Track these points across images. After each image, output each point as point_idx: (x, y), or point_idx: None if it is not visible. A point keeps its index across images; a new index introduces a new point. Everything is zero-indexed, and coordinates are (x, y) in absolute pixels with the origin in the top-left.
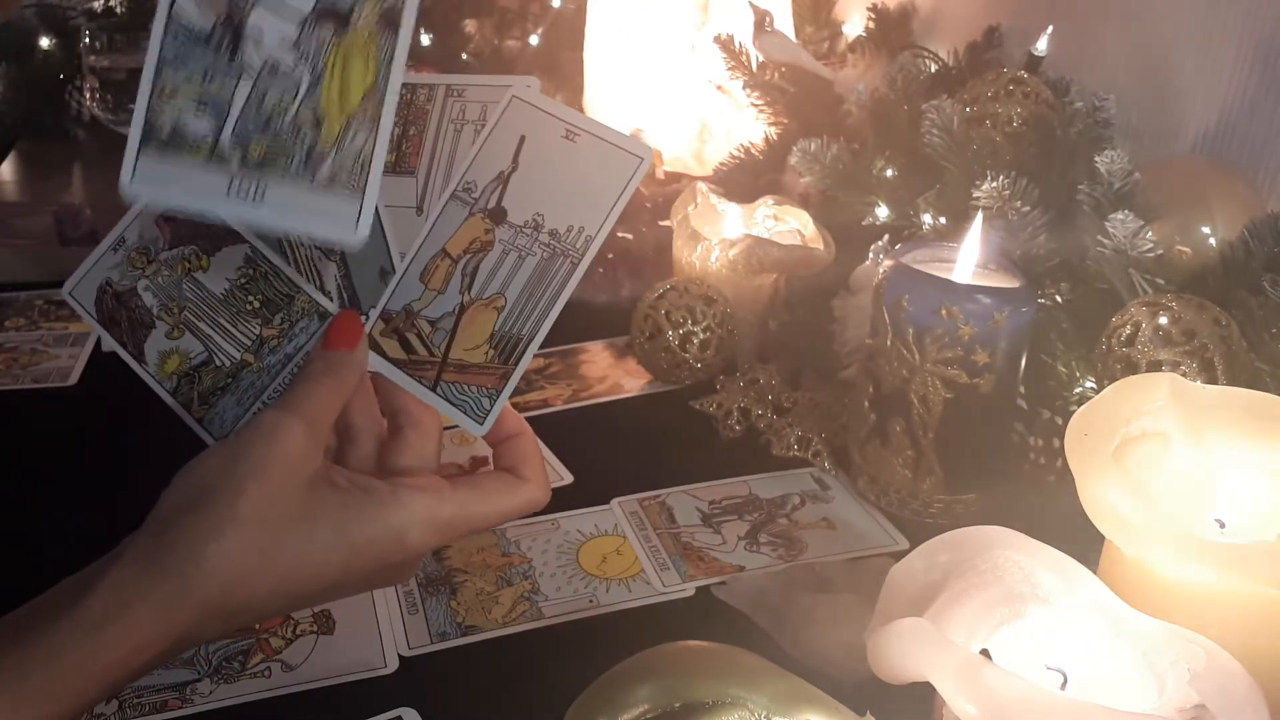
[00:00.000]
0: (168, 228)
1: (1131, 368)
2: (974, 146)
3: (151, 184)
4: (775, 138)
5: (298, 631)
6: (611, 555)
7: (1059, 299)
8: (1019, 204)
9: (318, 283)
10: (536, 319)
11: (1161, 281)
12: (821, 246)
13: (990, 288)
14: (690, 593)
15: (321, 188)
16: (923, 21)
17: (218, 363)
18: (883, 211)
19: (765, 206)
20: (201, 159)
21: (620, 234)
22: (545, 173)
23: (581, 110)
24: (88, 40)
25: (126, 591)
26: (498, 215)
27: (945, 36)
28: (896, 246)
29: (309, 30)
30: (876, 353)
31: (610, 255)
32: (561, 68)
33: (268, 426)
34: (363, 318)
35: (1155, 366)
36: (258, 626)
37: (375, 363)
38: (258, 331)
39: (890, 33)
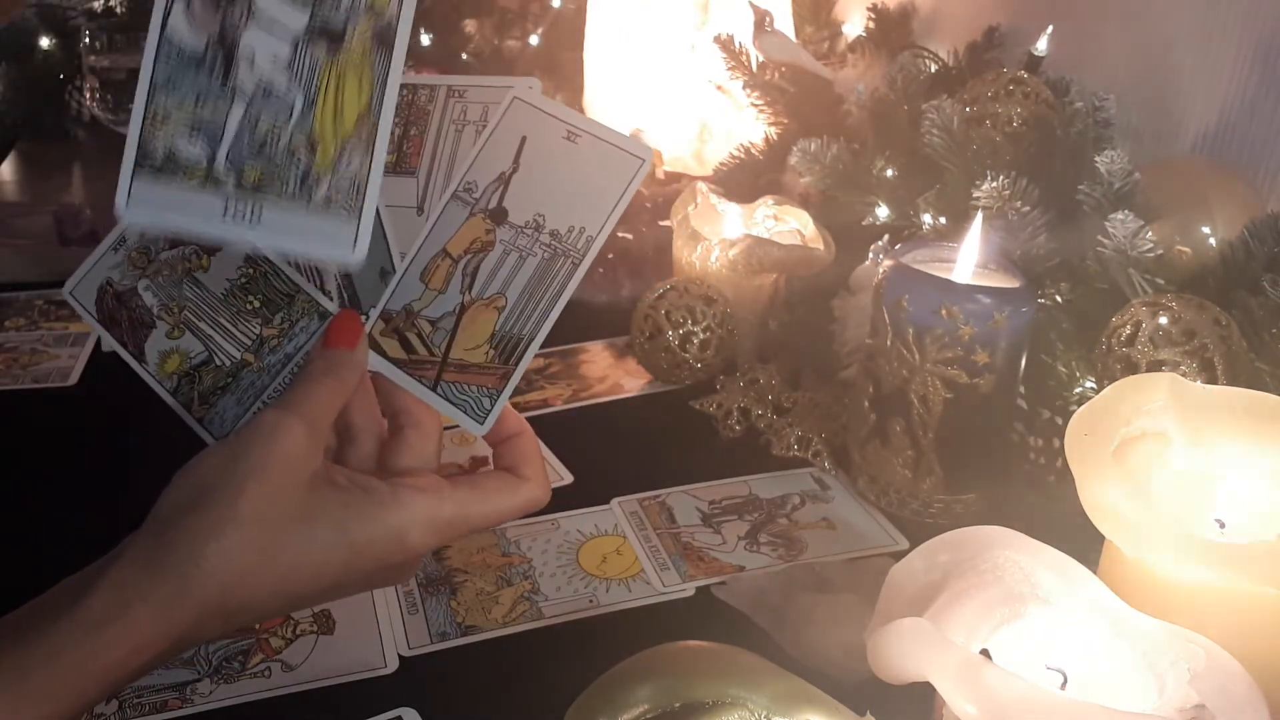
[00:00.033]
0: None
1: (1131, 368)
2: (974, 146)
3: (147, 208)
4: (775, 138)
5: (298, 631)
6: (611, 555)
7: (1059, 299)
8: (1019, 204)
9: (318, 282)
10: (537, 319)
11: (1161, 281)
12: (821, 246)
13: (990, 288)
14: (690, 593)
15: (318, 210)
16: (923, 21)
17: (218, 362)
18: (883, 211)
19: (765, 206)
20: (196, 183)
21: (620, 234)
22: (546, 173)
23: (582, 110)
24: (88, 40)
25: (126, 591)
26: (499, 215)
27: (945, 36)
28: (896, 246)
29: (302, 51)
30: (876, 353)
31: (610, 255)
32: (561, 68)
33: (268, 426)
34: (363, 317)
35: (1155, 366)
36: (258, 626)
37: (375, 362)
38: (258, 331)
39: (890, 33)
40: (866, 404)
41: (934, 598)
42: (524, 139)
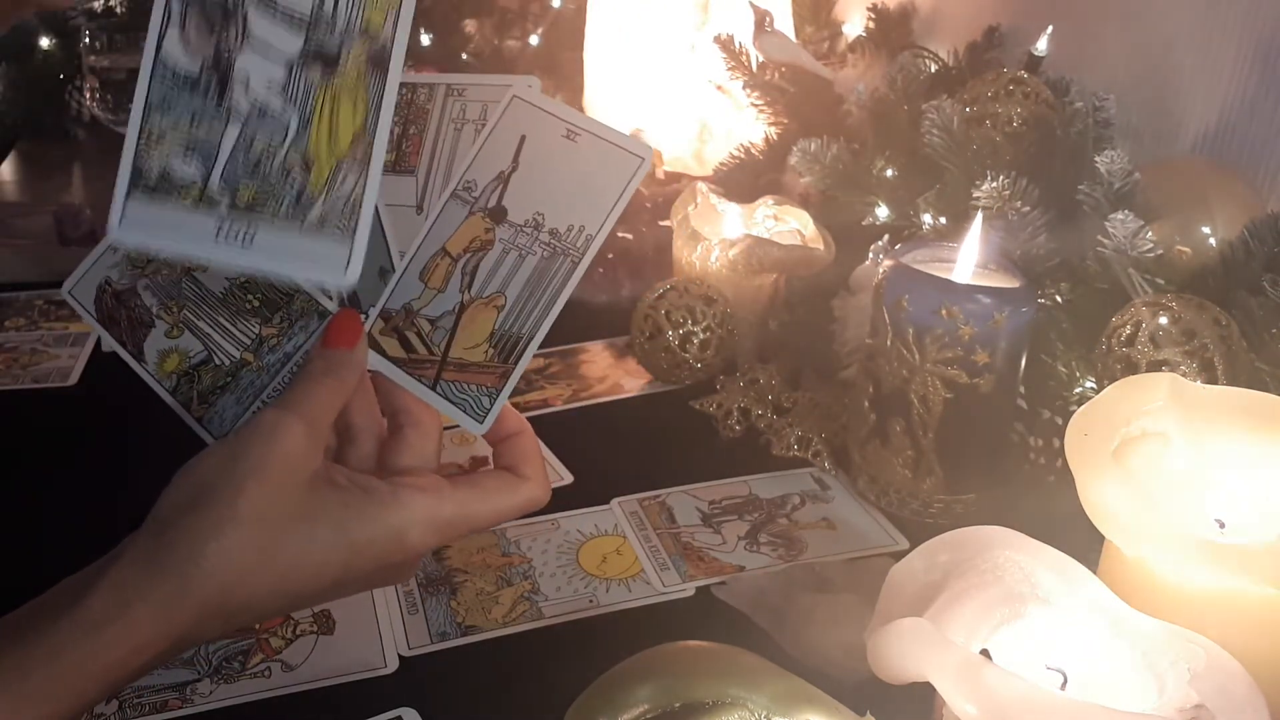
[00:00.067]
0: None
1: (1131, 368)
2: (974, 146)
3: (140, 229)
4: (775, 138)
5: (298, 631)
6: (611, 555)
7: (1059, 299)
8: (1019, 204)
9: None
10: (536, 318)
11: (1161, 281)
12: (821, 246)
13: (990, 288)
14: (690, 593)
15: (311, 231)
16: (923, 21)
17: (217, 361)
18: (883, 211)
19: (765, 206)
20: (190, 203)
21: (620, 234)
22: (546, 172)
23: (582, 110)
24: (88, 40)
25: (126, 591)
26: (498, 214)
27: (945, 36)
28: (896, 246)
29: (297, 73)
30: (876, 353)
31: (610, 255)
32: (561, 68)
33: (267, 425)
34: (362, 316)
35: (1155, 366)
36: (258, 626)
37: (375, 361)
38: (257, 330)
39: (890, 33)
40: (866, 404)
41: (934, 598)
42: (523, 138)
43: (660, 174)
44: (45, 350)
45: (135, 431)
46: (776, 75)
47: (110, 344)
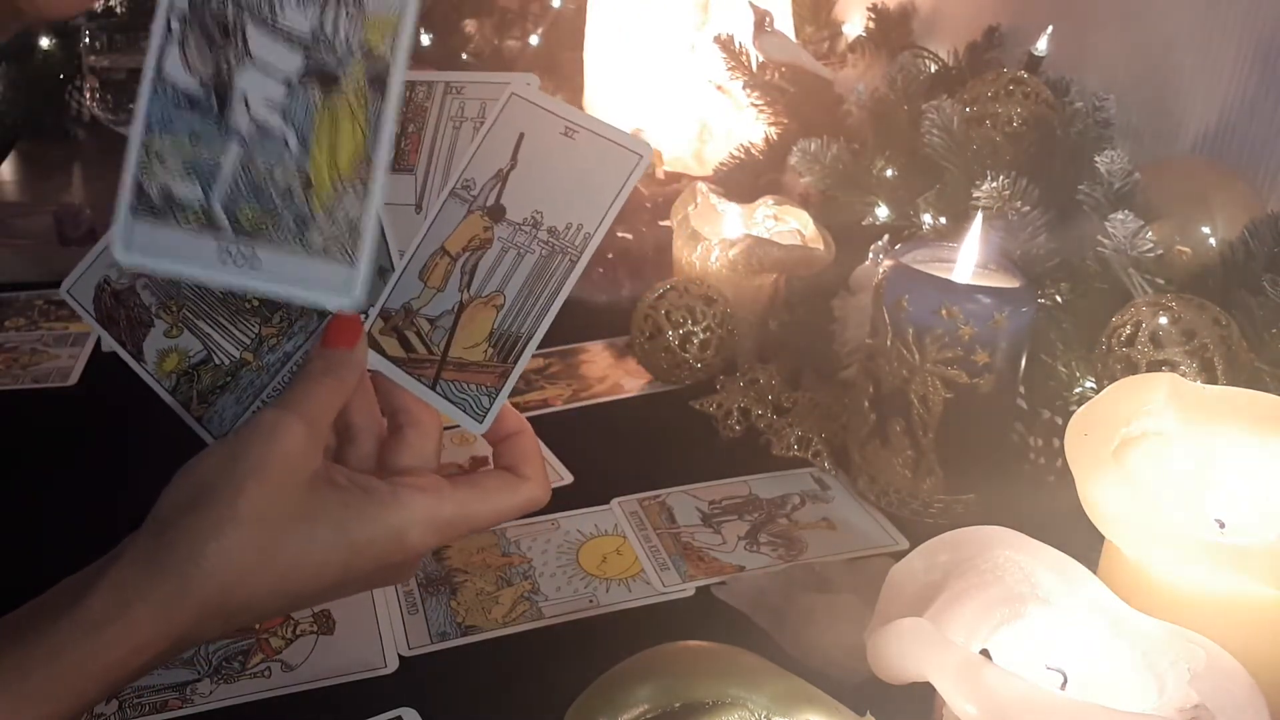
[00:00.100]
0: None
1: (1131, 368)
2: (974, 146)
3: (143, 252)
4: (775, 138)
5: (298, 631)
6: (611, 555)
7: (1059, 299)
8: (1019, 204)
9: None
10: (536, 317)
11: (1161, 281)
12: (821, 246)
13: (990, 288)
14: (690, 593)
15: (315, 252)
16: (923, 21)
17: (217, 361)
18: (883, 211)
19: (765, 206)
20: (192, 225)
21: (620, 234)
22: (544, 170)
23: (581, 110)
24: (88, 40)
25: (126, 591)
26: (496, 213)
27: (945, 36)
28: (896, 246)
29: (297, 92)
30: (876, 353)
31: (610, 255)
32: (561, 68)
33: (267, 425)
34: (362, 316)
35: (1155, 366)
36: (258, 626)
37: (374, 361)
38: (257, 330)
39: (890, 33)
40: (866, 404)
41: (934, 598)
42: (522, 135)
43: (660, 174)
44: (45, 350)
45: (135, 431)
46: (776, 75)
47: (109, 344)
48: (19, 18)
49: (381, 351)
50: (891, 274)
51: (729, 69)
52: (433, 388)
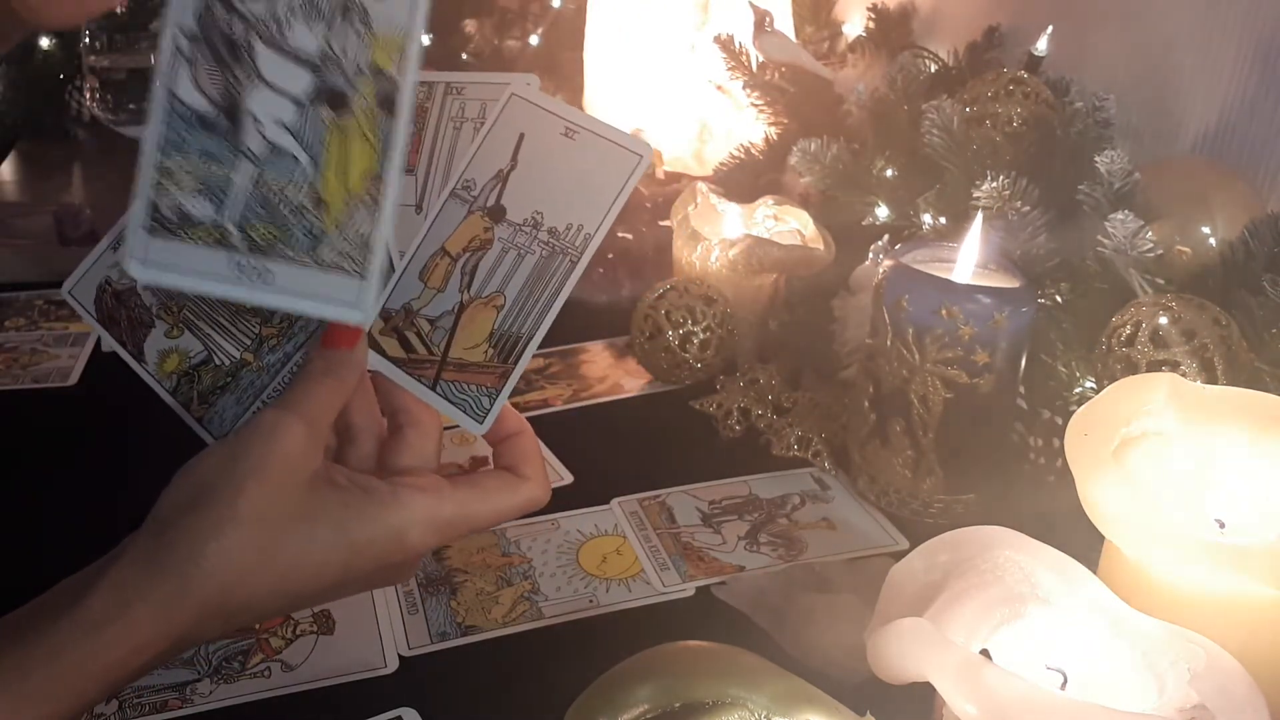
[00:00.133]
0: None
1: (1131, 368)
2: (974, 146)
3: (159, 268)
4: (775, 138)
5: (298, 631)
6: (611, 555)
7: (1059, 299)
8: (1019, 204)
9: None
10: (536, 317)
11: (1161, 281)
12: (821, 246)
13: (990, 288)
14: (690, 593)
15: (327, 268)
16: (923, 21)
17: (217, 361)
18: (883, 211)
19: (765, 206)
20: (206, 242)
21: (620, 234)
22: (544, 170)
23: (581, 110)
24: (88, 40)
25: (126, 591)
26: (497, 213)
27: (945, 36)
28: (896, 246)
29: (307, 111)
30: (876, 353)
31: (610, 255)
32: (561, 68)
33: (267, 425)
34: None
35: (1155, 366)
36: (258, 626)
37: (375, 361)
38: (257, 330)
39: (890, 33)
40: (866, 404)
41: (934, 598)
42: (522, 136)
43: (660, 174)
44: (45, 350)
45: (135, 431)
46: (776, 75)
47: (110, 344)
48: (22, 28)
49: (382, 352)
50: (891, 274)
51: (729, 69)
52: (433, 388)
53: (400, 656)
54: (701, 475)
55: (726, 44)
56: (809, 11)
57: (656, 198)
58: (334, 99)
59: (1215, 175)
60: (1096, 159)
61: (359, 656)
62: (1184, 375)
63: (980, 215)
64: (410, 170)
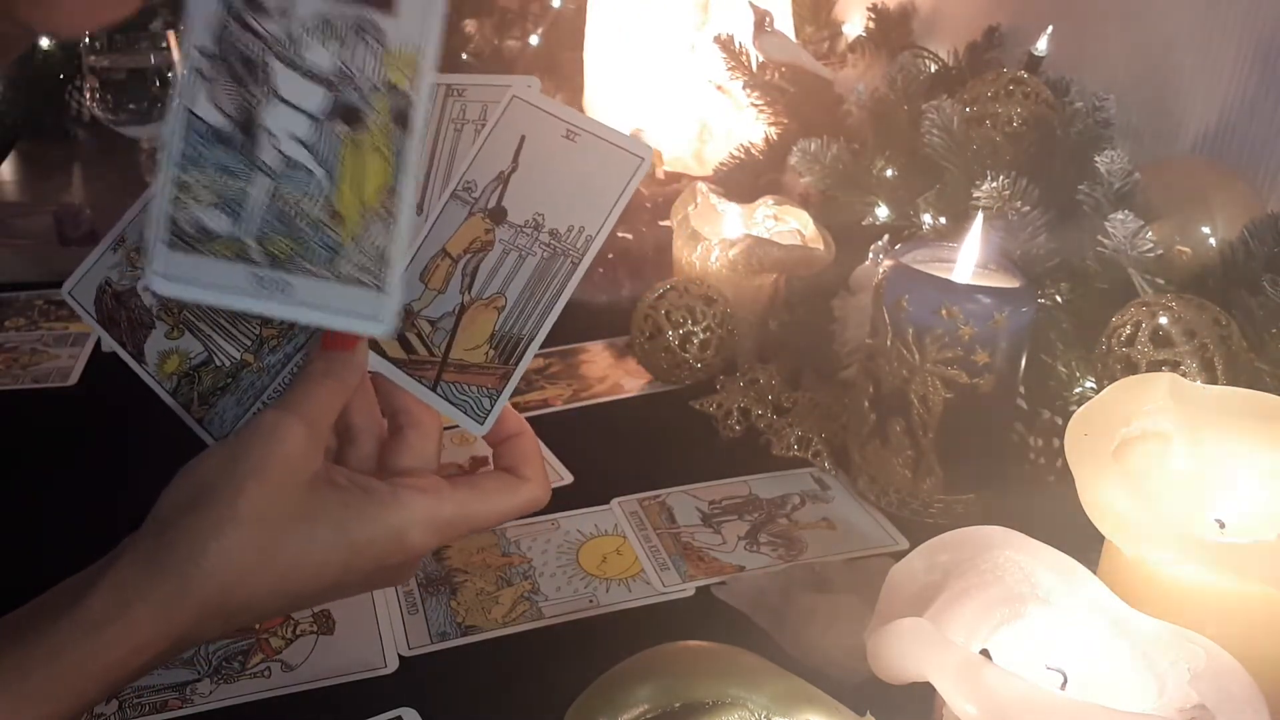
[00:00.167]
0: None
1: (1131, 368)
2: (974, 146)
3: (179, 283)
4: (775, 138)
5: (298, 631)
6: (611, 555)
7: (1059, 299)
8: (1019, 204)
9: None
10: (537, 319)
11: (1161, 281)
12: (821, 246)
13: (990, 288)
14: (690, 593)
15: (346, 281)
16: (923, 21)
17: (217, 362)
18: (883, 211)
19: (765, 206)
20: (226, 256)
21: (620, 234)
22: (545, 172)
23: (581, 110)
24: (88, 40)
25: (126, 591)
26: (498, 215)
27: (945, 36)
28: (896, 246)
29: (323, 127)
30: (876, 353)
31: (610, 255)
32: (561, 68)
33: (268, 426)
34: None
35: (1155, 366)
36: (258, 626)
37: (375, 362)
38: (257, 331)
39: (890, 33)
40: (866, 404)
41: (934, 598)
42: (523, 138)
43: (660, 174)
44: (45, 350)
45: (135, 431)
46: (776, 75)
47: (110, 345)
48: (30, 37)
49: (382, 353)
50: (891, 274)
51: (729, 69)
52: (433, 389)
53: (400, 656)
54: (701, 475)
55: (726, 44)
56: (809, 11)
57: (656, 198)
58: (349, 115)
59: (1215, 175)
60: (1096, 159)
61: (359, 656)
62: (1184, 375)
63: (980, 215)
64: None
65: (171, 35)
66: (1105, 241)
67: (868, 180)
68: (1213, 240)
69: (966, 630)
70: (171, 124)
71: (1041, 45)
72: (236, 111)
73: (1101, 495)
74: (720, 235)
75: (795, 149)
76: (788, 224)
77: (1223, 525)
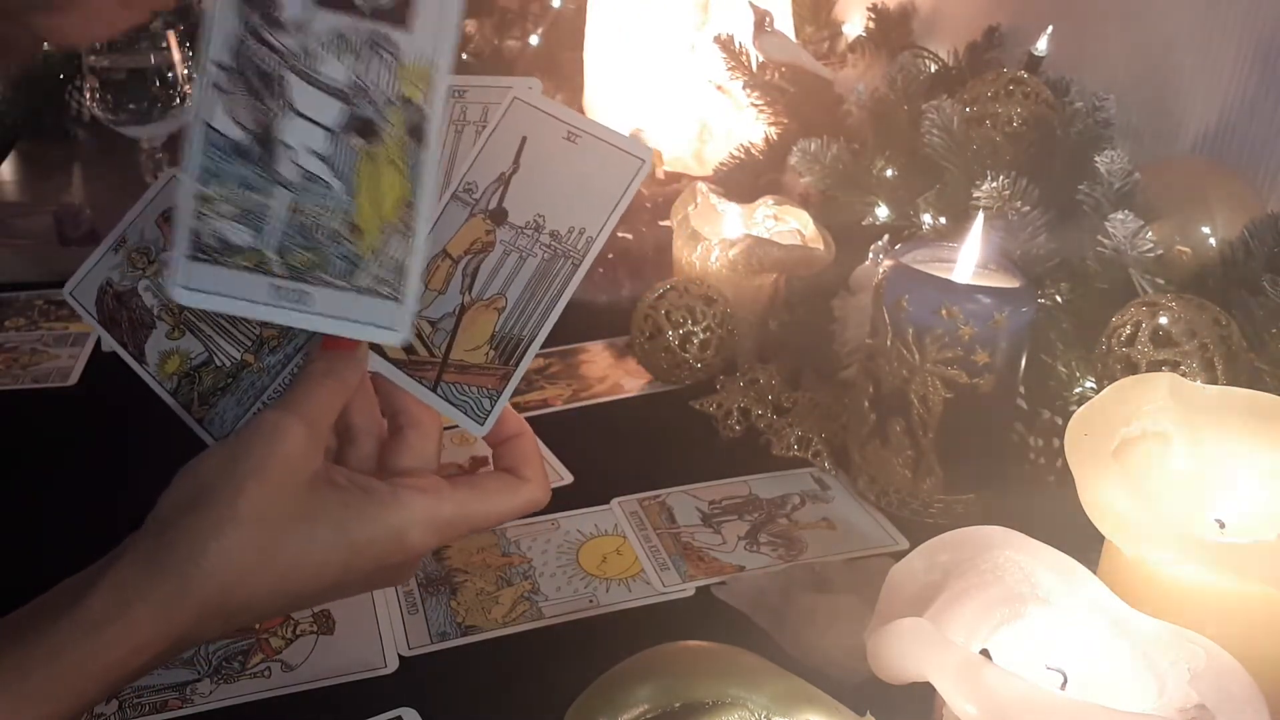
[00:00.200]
0: (168, 228)
1: (1131, 368)
2: (974, 146)
3: (200, 293)
4: (775, 138)
5: (298, 631)
6: (611, 555)
7: (1059, 299)
8: (1019, 204)
9: None
10: (537, 320)
11: (1161, 281)
12: (821, 246)
13: (990, 288)
14: (690, 593)
15: (364, 291)
16: (923, 21)
17: (218, 363)
18: (883, 211)
19: (765, 206)
20: (246, 268)
21: (620, 234)
22: (546, 174)
23: (582, 110)
24: None
25: (126, 591)
26: (499, 216)
27: (945, 36)
28: (896, 246)
29: (340, 141)
30: (876, 353)
31: (610, 255)
32: (561, 68)
33: (268, 426)
34: None
35: (1155, 366)
36: (258, 626)
37: (375, 363)
38: (258, 331)
39: (890, 33)
40: (866, 404)
41: (934, 598)
42: (524, 139)
43: (660, 174)
44: (45, 350)
45: (135, 431)
46: (776, 75)
47: (111, 344)
48: (38, 44)
49: (382, 353)
50: (891, 274)
51: (729, 69)
52: (434, 390)
53: (400, 656)
54: (701, 475)
55: (726, 44)
56: (809, 11)
57: (656, 198)
58: (364, 128)
59: (1215, 175)
60: (1096, 159)
61: (359, 656)
62: (1184, 375)
63: (981, 215)
64: None
65: (171, 35)
66: (1105, 241)
67: (868, 180)
68: (1213, 240)
69: (966, 630)
70: (190, 138)
71: (1041, 45)
72: (254, 125)
73: (1101, 495)
74: (720, 235)
75: (795, 149)
76: (788, 224)
77: (1223, 525)
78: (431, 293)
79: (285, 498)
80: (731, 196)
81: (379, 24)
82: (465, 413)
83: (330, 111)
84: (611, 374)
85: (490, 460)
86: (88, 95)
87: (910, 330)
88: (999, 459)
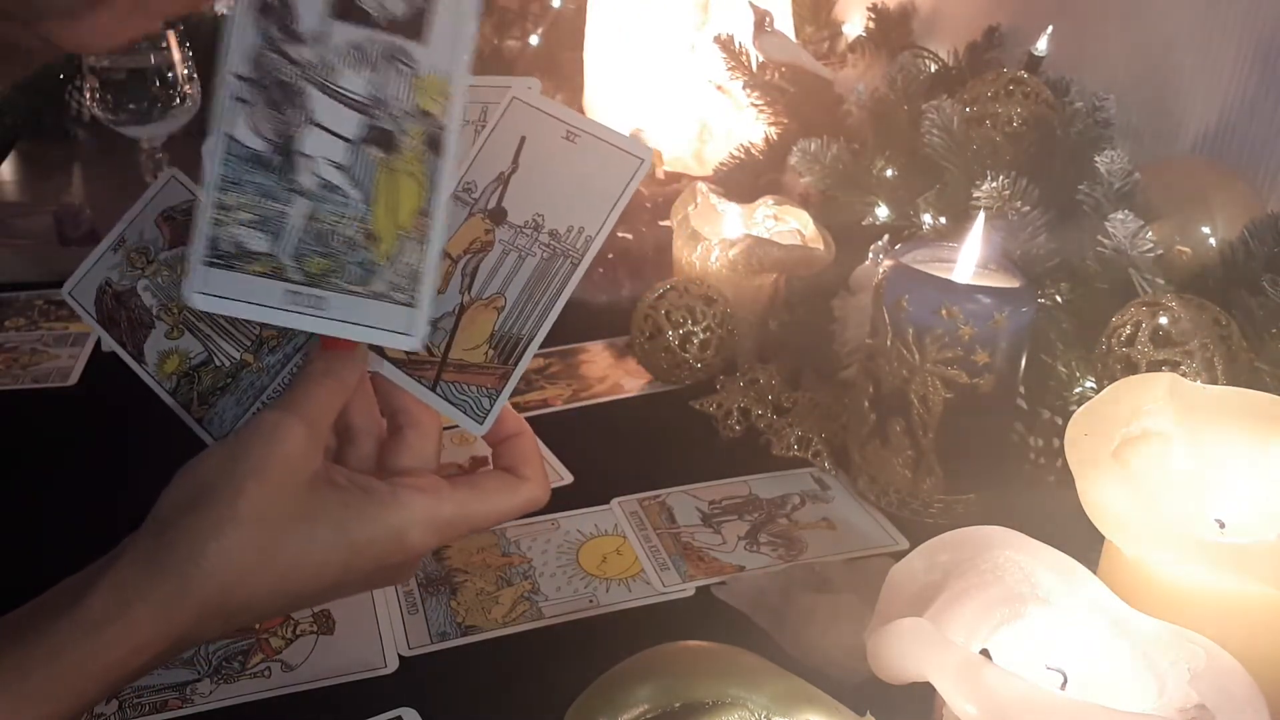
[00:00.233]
0: (167, 228)
1: (1131, 368)
2: (974, 146)
3: (217, 299)
4: (775, 138)
5: (298, 631)
6: (611, 555)
7: (1059, 299)
8: (1019, 204)
9: None
10: (536, 319)
11: (1161, 281)
12: (821, 246)
13: (990, 288)
14: (690, 593)
15: (379, 297)
16: (923, 21)
17: (217, 362)
18: (883, 211)
19: (765, 206)
20: (262, 273)
21: (620, 234)
22: (545, 173)
23: (581, 110)
24: None
25: (126, 591)
26: (498, 215)
27: (945, 36)
28: (896, 246)
29: (358, 151)
30: (876, 353)
31: (610, 255)
32: (561, 68)
33: (268, 426)
34: None
35: (1155, 366)
36: (258, 626)
37: (375, 362)
38: (257, 331)
39: (890, 33)
40: (866, 404)
41: (934, 598)
42: (523, 139)
43: (660, 174)
44: (45, 350)
45: (135, 431)
46: (776, 75)
47: (110, 344)
48: (50, 52)
49: (382, 353)
50: (891, 274)
51: (729, 69)
52: (433, 389)
53: (400, 656)
54: (701, 475)
55: (726, 44)
56: (809, 11)
57: (656, 198)
58: (383, 140)
59: (1215, 175)
60: (1096, 159)
61: (359, 656)
62: (1184, 375)
63: (981, 215)
64: None
65: (171, 35)
66: (1105, 241)
67: (868, 180)
68: (1213, 240)
69: (966, 630)
70: (212, 147)
71: (1041, 45)
72: (275, 136)
73: (1101, 495)
74: (720, 235)
75: (795, 149)
76: (788, 224)
77: (1223, 525)
78: None
79: (285, 498)
80: (731, 196)
81: (395, 37)
82: (465, 412)
83: (350, 123)
84: (611, 374)
85: (490, 460)
86: (88, 95)
87: (910, 330)
88: (999, 459)
